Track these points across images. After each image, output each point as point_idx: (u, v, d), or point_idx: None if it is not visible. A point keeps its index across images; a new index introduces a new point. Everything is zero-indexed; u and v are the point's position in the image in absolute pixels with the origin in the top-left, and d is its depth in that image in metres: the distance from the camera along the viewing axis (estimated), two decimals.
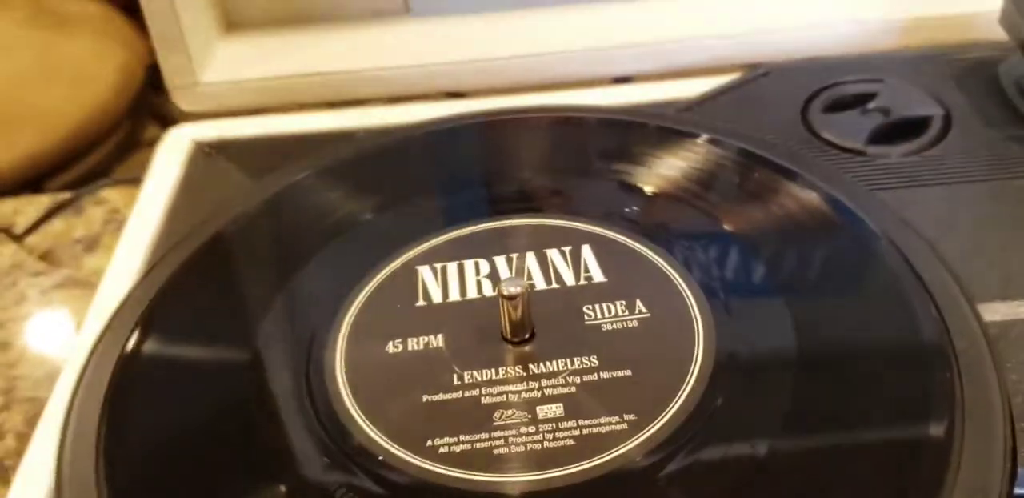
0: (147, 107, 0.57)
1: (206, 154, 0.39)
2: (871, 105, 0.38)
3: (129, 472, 0.25)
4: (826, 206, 0.31)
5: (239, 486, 0.25)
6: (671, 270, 0.30)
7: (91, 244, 0.44)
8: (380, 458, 0.25)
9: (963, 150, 0.36)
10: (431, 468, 0.25)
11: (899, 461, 0.24)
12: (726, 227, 0.32)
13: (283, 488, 0.25)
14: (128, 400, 0.28)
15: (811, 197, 0.32)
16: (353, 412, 0.26)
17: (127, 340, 0.29)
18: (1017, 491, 0.25)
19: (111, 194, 0.47)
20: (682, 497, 0.24)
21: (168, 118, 0.55)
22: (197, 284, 0.31)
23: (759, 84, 0.40)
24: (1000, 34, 0.38)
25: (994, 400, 0.26)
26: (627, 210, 0.33)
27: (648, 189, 0.34)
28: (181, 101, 0.42)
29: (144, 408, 0.28)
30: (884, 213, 0.32)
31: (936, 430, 0.25)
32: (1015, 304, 0.30)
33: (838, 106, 0.39)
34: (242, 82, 0.42)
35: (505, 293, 0.27)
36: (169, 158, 0.39)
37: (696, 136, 0.35)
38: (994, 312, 0.30)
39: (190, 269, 0.32)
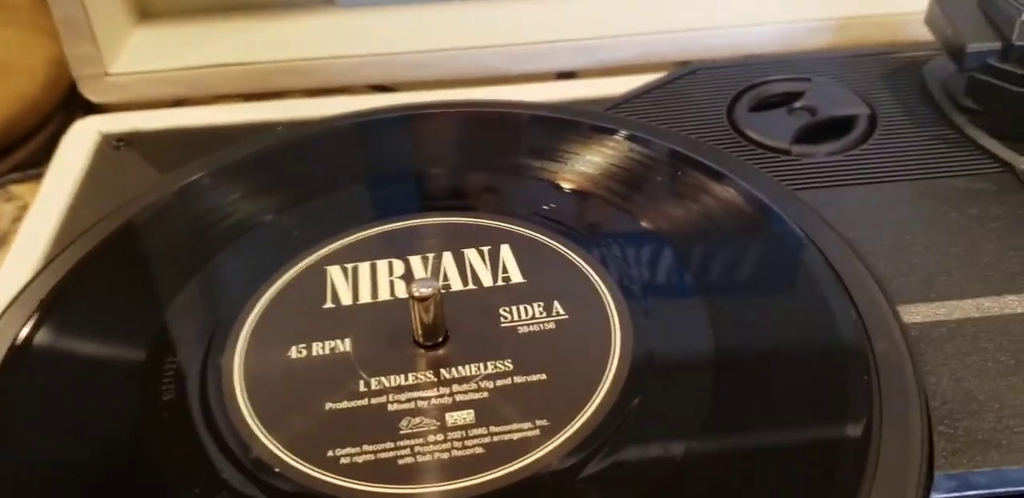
0: (80, 101, 0.54)
1: (114, 147, 0.37)
2: (797, 104, 0.38)
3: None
4: (747, 205, 0.31)
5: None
6: (591, 270, 0.29)
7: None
8: (276, 470, 0.24)
9: (888, 149, 0.36)
10: (332, 481, 0.24)
11: (817, 464, 0.24)
12: (647, 226, 0.31)
13: None
14: (10, 397, 0.26)
15: (733, 196, 0.31)
16: (250, 421, 0.25)
17: (17, 333, 0.28)
18: (933, 497, 0.25)
19: (22, 190, 0.45)
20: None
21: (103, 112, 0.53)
22: (96, 280, 0.30)
23: (687, 81, 0.39)
24: (927, 35, 0.38)
25: (912, 403, 0.25)
26: (548, 208, 0.32)
27: (570, 187, 0.33)
28: (88, 91, 0.40)
29: (28, 406, 0.26)
30: (805, 213, 0.31)
31: (853, 432, 0.24)
32: (936, 305, 0.30)
33: (764, 105, 0.38)
34: (156, 72, 0.41)
35: (416, 294, 0.26)
36: (74, 150, 0.37)
37: (617, 133, 0.34)
38: (915, 314, 0.30)
39: (88, 265, 0.30)
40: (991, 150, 0.35)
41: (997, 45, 0.35)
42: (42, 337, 0.28)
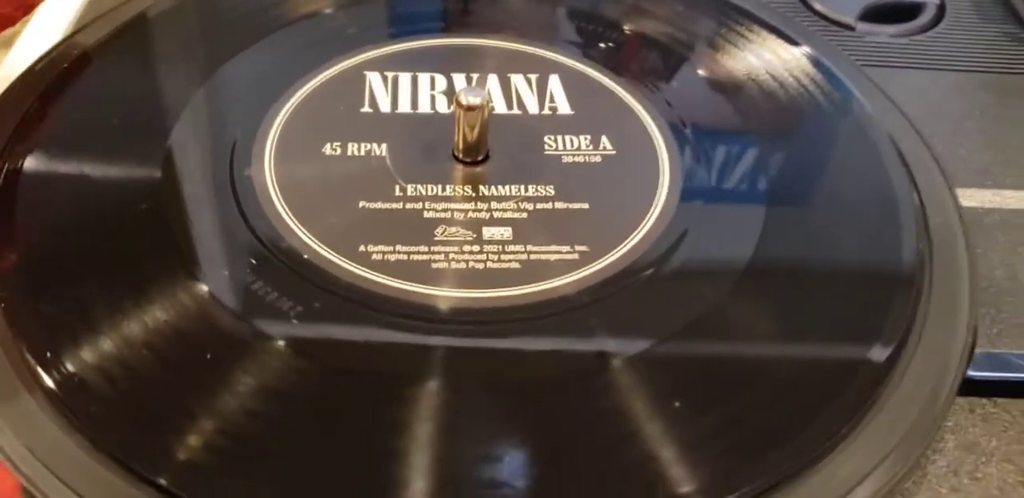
0: None
1: None
2: None
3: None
4: (812, 69, 0.29)
5: (160, 284, 0.22)
6: (643, 111, 0.28)
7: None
8: (306, 258, 0.23)
9: (954, 39, 0.35)
10: (361, 273, 0.22)
11: (867, 310, 0.23)
12: (709, 75, 0.29)
13: (205, 288, 0.22)
14: (24, 177, 0.24)
15: (798, 58, 0.30)
16: (283, 213, 0.24)
17: (28, 111, 0.26)
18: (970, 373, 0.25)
19: None
20: (620, 335, 0.22)
21: None
22: (118, 58, 0.28)
23: None
24: None
25: (962, 275, 0.25)
26: (605, 46, 0.30)
27: (631, 27, 0.31)
28: None
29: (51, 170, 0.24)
30: (868, 87, 0.30)
31: (902, 294, 0.23)
32: (991, 193, 0.29)
33: None
34: None
35: (464, 103, 0.24)
36: None
37: None
38: (969, 198, 0.29)
39: (113, 39, 0.28)
40: None
41: None
42: (62, 107, 0.26)
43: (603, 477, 0.19)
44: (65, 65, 0.27)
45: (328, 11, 0.30)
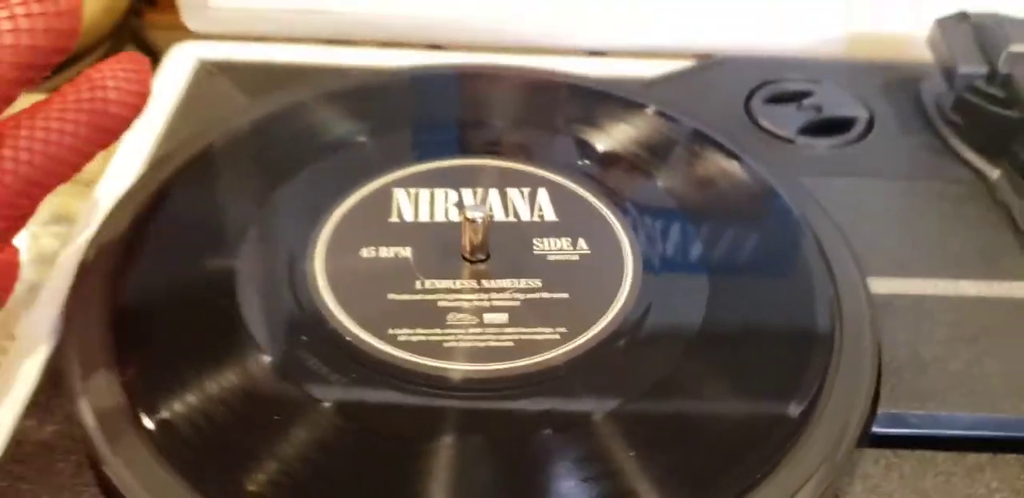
0: (128, 30, 0.59)
1: (208, 72, 0.42)
2: (806, 102, 0.43)
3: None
4: (749, 179, 0.36)
5: (234, 357, 0.29)
6: (613, 218, 0.35)
7: None
8: (348, 339, 0.30)
9: (880, 150, 0.41)
10: (390, 351, 0.29)
11: (785, 374, 0.30)
12: (664, 188, 0.36)
13: (267, 359, 0.29)
14: (129, 280, 0.31)
15: (740, 172, 0.37)
16: (329, 303, 0.31)
17: (127, 230, 0.33)
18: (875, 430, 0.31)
19: None
20: (591, 392, 0.29)
21: (146, 43, 0.58)
22: (195, 182, 0.35)
23: (713, 71, 0.45)
24: (928, 54, 0.44)
25: (866, 346, 0.31)
26: (582, 163, 0.37)
27: (603, 148, 0.38)
28: (190, 20, 0.45)
29: (143, 290, 0.31)
30: (802, 194, 0.37)
31: (817, 358, 0.30)
32: (901, 281, 0.35)
33: (778, 99, 0.43)
34: (250, 9, 0.46)
35: (469, 216, 0.32)
36: (174, 72, 0.42)
37: (651, 109, 0.39)
38: (882, 286, 0.35)
39: (186, 172, 0.35)
40: (969, 160, 0.41)
41: (984, 70, 0.40)
42: (149, 230, 0.33)
43: None
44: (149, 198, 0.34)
45: (361, 139, 0.37)
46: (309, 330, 0.30)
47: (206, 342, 0.29)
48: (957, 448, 0.31)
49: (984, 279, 0.36)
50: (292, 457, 0.26)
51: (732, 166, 0.37)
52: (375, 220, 0.34)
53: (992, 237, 0.37)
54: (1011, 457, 0.31)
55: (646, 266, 0.33)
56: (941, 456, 0.31)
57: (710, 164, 0.37)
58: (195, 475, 0.26)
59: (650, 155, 0.38)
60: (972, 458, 0.31)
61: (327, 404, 0.28)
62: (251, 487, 0.26)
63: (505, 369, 0.29)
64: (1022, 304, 0.35)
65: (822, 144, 0.42)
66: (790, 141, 0.42)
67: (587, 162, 0.37)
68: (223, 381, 0.28)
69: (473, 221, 0.32)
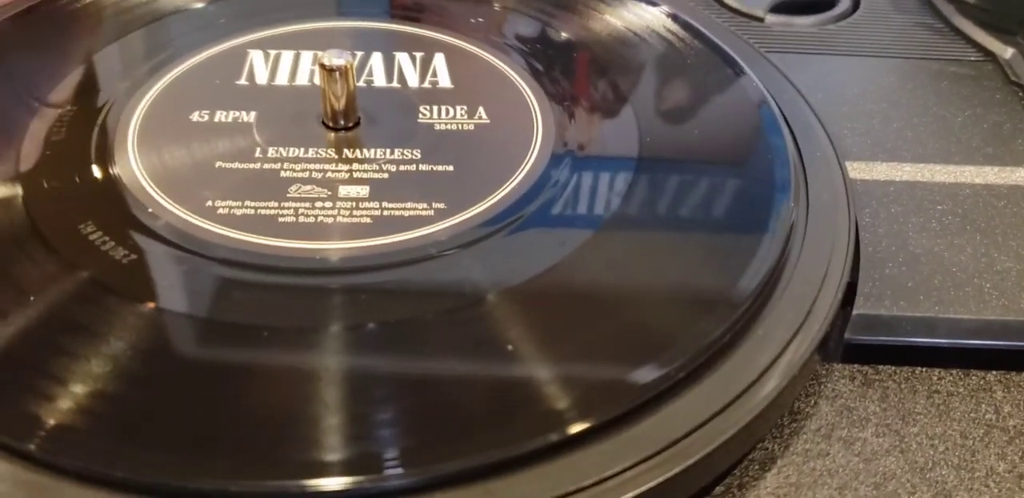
0: None
1: None
2: None
3: None
4: (684, 32, 0.29)
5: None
6: (526, 87, 0.28)
7: None
8: (149, 210, 0.22)
9: (867, 29, 0.34)
10: (201, 224, 0.22)
11: (732, 257, 0.23)
12: (595, 58, 0.29)
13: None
14: None
15: (681, 36, 0.29)
16: (134, 166, 0.24)
17: None
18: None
19: None
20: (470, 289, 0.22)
21: None
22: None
23: None
24: None
25: (841, 230, 0.24)
26: (498, 31, 0.30)
27: (525, 15, 0.31)
28: None
29: None
30: (762, 63, 0.30)
31: (775, 239, 0.23)
32: (889, 166, 0.28)
33: None
34: None
35: (326, 63, 0.24)
36: None
37: None
38: (865, 171, 0.28)
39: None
40: (975, 39, 0.34)
41: None
42: None
43: (486, 396, 0.19)
44: None
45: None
46: (101, 195, 0.23)
47: None
48: (958, 363, 0.24)
49: (991, 165, 0.28)
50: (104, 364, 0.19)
51: (671, 27, 0.30)
52: (219, 82, 0.27)
53: (1002, 120, 0.30)
54: None
55: (559, 141, 0.26)
56: (938, 373, 0.24)
57: (646, 26, 0.30)
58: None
59: (581, 22, 0.31)
60: (978, 377, 0.24)
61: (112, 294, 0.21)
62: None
63: (352, 248, 0.22)
64: None
65: (802, 23, 0.35)
66: (759, 19, 0.35)
67: (497, 23, 0.30)
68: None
69: (332, 70, 0.25)
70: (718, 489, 0.21)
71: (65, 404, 0.18)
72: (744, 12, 0.35)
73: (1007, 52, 0.33)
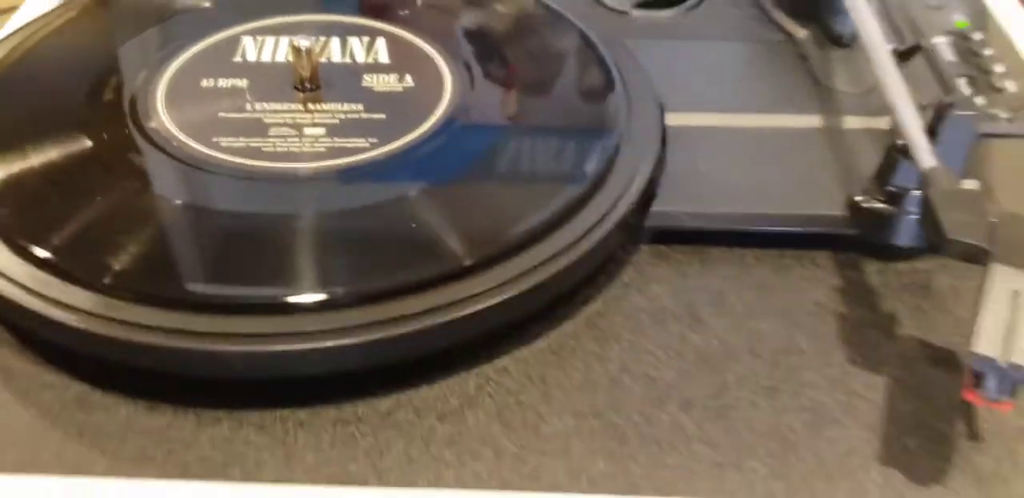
0: None
1: None
2: None
3: None
4: (559, 27, 0.41)
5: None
6: (441, 62, 0.39)
7: None
8: (175, 144, 0.34)
9: (707, 20, 0.46)
10: (211, 153, 0.34)
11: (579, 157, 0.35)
12: (492, 41, 0.41)
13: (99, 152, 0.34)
14: None
15: (552, 21, 0.41)
16: (164, 117, 0.35)
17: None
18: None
19: None
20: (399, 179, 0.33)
21: None
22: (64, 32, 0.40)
23: None
24: None
25: (652, 149, 0.36)
26: (407, 13, 0.42)
27: (441, 7, 0.43)
28: None
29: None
30: (612, 40, 0.41)
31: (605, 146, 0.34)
32: (702, 115, 0.40)
33: None
34: None
35: (295, 44, 0.36)
36: None
37: None
38: (683, 120, 0.39)
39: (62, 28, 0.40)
40: (781, 24, 0.45)
41: None
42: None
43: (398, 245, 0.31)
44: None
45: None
46: (142, 139, 0.35)
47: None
48: (726, 242, 0.35)
49: (775, 113, 0.40)
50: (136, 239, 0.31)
51: (546, 16, 0.42)
52: (220, 60, 0.38)
53: (791, 84, 0.42)
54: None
55: (460, 99, 0.37)
56: (713, 250, 0.35)
57: (528, 16, 0.42)
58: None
59: (482, 14, 0.42)
60: (740, 252, 0.35)
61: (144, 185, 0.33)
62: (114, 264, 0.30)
63: (313, 167, 0.34)
64: (806, 132, 0.39)
65: (659, 16, 0.46)
66: (623, 13, 0.46)
67: (427, 21, 0.42)
68: (68, 178, 0.33)
69: (300, 50, 0.36)
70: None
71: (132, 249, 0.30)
72: (613, 8, 0.46)
73: (801, 33, 0.44)
